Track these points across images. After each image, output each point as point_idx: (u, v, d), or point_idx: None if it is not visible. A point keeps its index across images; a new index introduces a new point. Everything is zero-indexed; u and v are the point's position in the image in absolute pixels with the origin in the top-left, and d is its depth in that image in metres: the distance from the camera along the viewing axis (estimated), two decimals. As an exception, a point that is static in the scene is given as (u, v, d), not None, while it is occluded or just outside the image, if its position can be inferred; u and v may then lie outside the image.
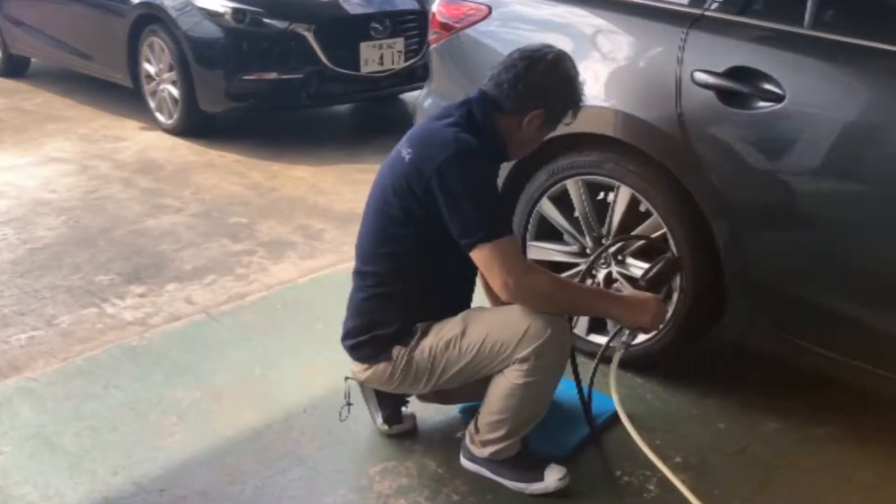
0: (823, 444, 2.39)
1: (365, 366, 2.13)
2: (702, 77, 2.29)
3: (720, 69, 2.26)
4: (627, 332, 2.07)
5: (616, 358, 2.08)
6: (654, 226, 2.50)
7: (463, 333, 2.00)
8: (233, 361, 2.76)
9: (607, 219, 2.63)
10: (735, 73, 2.24)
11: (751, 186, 2.28)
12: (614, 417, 2.45)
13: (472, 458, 2.20)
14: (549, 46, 2.03)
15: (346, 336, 2.16)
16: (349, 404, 2.30)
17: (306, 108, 5.62)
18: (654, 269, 2.11)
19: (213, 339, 2.91)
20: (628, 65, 2.51)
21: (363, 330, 2.10)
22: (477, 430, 2.16)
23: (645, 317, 1.99)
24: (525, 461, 2.16)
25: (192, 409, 2.51)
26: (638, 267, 2.61)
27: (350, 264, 3.67)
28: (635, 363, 2.64)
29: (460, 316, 2.04)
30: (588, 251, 2.72)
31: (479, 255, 1.89)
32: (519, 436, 2.12)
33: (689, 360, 2.72)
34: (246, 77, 5.05)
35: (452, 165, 1.88)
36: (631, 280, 2.60)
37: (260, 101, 5.20)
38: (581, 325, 2.72)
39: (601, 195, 2.66)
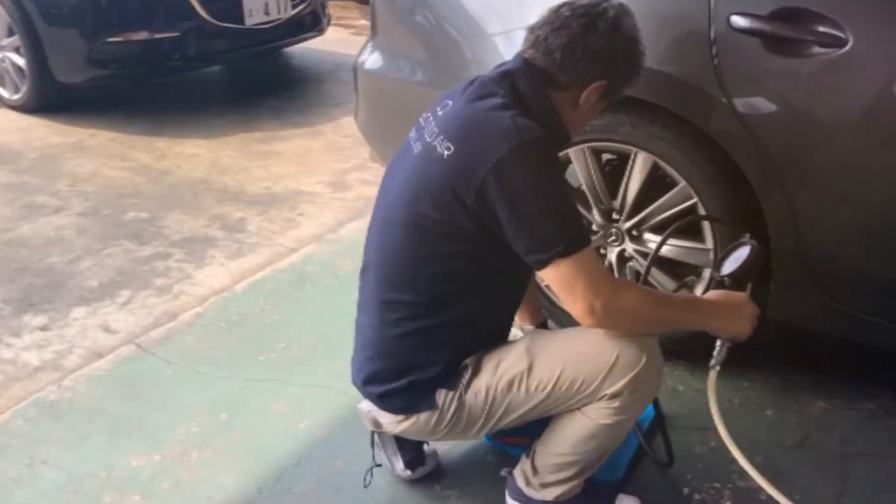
0: (879, 420, 2.18)
1: (400, 417, 1.69)
2: (741, 21, 1.94)
3: (764, 11, 1.92)
4: (719, 341, 1.73)
5: (713, 377, 1.73)
6: (681, 196, 2.18)
7: (530, 369, 1.60)
8: (188, 406, 2.23)
9: (620, 191, 2.27)
10: (783, 14, 1.91)
11: (806, 146, 1.98)
12: (654, 422, 2.16)
13: (526, 501, 1.83)
14: (606, -1, 1.60)
15: (370, 381, 1.70)
16: (377, 465, 1.86)
17: (184, 70, 4.90)
18: (737, 261, 1.76)
19: (155, 379, 2.36)
20: (646, 8, 2.12)
21: (397, 374, 1.65)
22: (535, 471, 1.79)
23: (744, 324, 1.65)
24: (592, 498, 1.82)
25: (156, 479, 1.98)
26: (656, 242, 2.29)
27: (292, 260, 3.20)
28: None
29: (522, 345, 1.63)
30: (595, 227, 2.37)
31: (555, 273, 1.48)
32: (590, 474, 1.76)
33: (710, 340, 2.44)
34: (110, 39, 4.28)
35: (516, 162, 1.45)
36: (663, 266, 2.28)
37: (129, 66, 4.44)
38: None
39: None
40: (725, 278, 1.75)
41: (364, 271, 1.75)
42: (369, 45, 2.74)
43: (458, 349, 1.64)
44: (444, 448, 2.04)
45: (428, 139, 1.57)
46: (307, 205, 3.49)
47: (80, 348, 2.50)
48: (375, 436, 1.88)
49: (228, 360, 2.43)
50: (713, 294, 1.69)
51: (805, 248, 2.06)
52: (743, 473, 1.99)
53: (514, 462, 1.91)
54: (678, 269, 2.31)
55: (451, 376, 1.64)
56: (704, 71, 2.01)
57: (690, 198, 2.17)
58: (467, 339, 1.65)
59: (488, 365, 1.64)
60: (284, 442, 2.10)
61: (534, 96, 1.57)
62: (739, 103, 1.99)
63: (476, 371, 1.64)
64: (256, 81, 5.42)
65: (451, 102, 1.62)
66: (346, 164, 3.90)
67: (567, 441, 1.68)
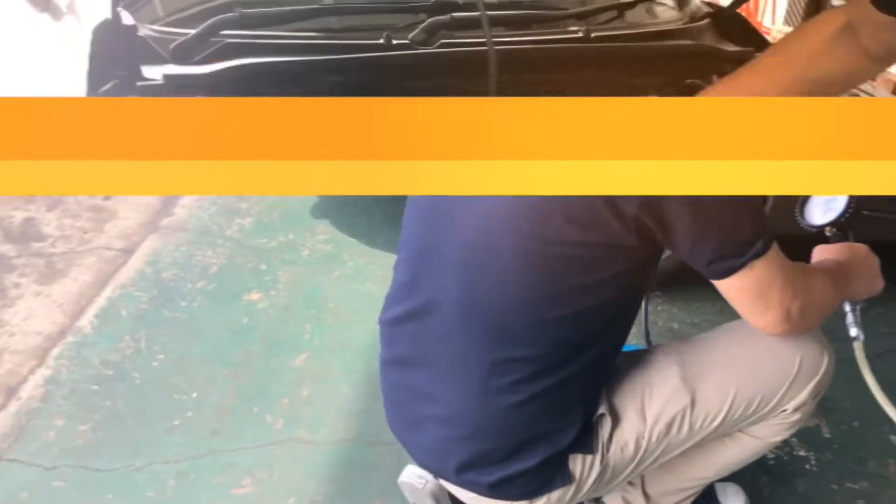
0: None
1: (524, 502, 1.24)
2: None
3: None
4: (849, 306, 1.42)
5: (861, 350, 1.42)
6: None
7: (693, 403, 1.21)
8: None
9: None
10: None
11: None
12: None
13: (627, 528, 1.49)
14: None
15: (472, 467, 1.21)
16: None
17: None
18: (827, 204, 1.44)
19: (40, 502, 1.62)
20: None
21: (516, 452, 1.17)
22: (647, 497, 1.45)
23: (878, 280, 1.37)
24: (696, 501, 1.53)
25: None
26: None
27: (135, 267, 2.30)
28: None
29: (672, 374, 1.22)
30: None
31: (745, 281, 1.08)
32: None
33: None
34: None
35: None
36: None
37: None
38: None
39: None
40: (828, 229, 1.43)
41: (418, 317, 1.20)
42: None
43: (590, 401, 1.20)
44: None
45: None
46: (109, 182, 2.67)
47: None
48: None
49: (132, 440, 1.74)
50: (834, 252, 1.38)
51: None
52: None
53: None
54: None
55: (586, 437, 1.21)
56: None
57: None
58: (598, 385, 1.22)
59: (630, 408, 1.22)
60: (278, 541, 1.55)
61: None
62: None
63: (616, 419, 1.22)
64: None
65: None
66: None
67: (714, 466, 1.35)
